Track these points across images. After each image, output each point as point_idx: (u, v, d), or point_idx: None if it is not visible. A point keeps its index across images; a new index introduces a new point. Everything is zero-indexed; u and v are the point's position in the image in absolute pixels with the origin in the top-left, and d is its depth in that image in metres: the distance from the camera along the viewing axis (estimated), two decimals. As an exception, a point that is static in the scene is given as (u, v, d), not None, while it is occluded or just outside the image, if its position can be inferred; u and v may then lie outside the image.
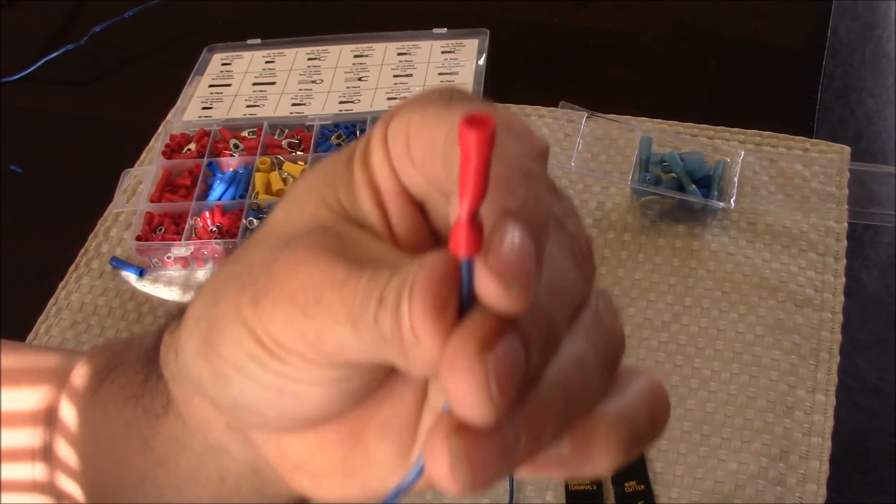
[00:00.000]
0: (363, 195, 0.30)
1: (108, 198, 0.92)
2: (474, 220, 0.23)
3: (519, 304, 0.24)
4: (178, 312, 0.35)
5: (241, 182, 0.89)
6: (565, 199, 0.30)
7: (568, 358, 0.27)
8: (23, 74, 1.08)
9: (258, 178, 0.89)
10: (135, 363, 0.39)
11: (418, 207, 0.30)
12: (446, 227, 0.30)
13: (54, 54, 1.08)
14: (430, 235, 0.31)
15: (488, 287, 0.23)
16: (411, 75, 0.99)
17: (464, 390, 0.24)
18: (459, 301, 0.24)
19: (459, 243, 0.23)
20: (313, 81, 1.01)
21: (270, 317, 0.28)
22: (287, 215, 0.31)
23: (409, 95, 0.32)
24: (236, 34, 1.07)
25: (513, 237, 0.24)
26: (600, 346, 0.28)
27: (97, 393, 0.41)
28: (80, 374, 0.43)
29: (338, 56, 1.03)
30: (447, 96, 0.29)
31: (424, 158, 0.28)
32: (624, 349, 0.29)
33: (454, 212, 0.26)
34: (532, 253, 0.24)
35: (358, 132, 0.93)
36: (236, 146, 0.93)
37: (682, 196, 0.80)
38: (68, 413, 0.43)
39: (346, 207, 0.30)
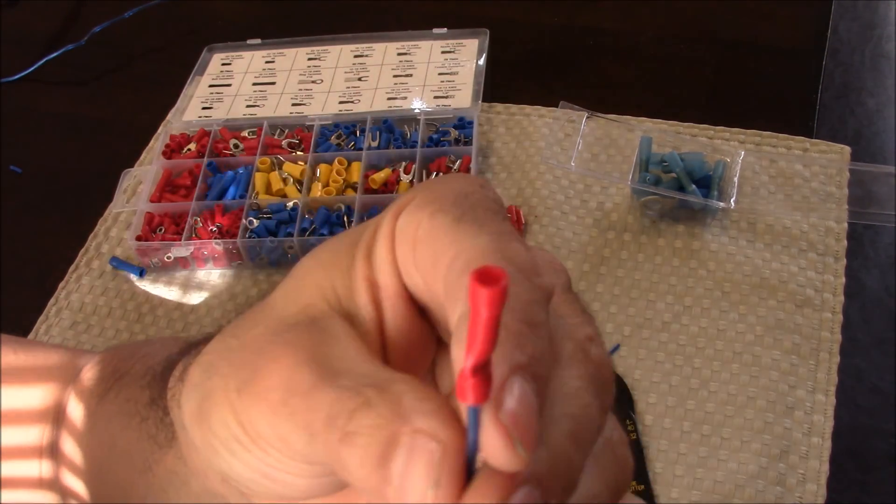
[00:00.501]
0: (360, 289, 0.30)
1: (108, 198, 0.92)
2: (483, 370, 0.23)
3: (523, 464, 0.23)
4: (185, 347, 0.36)
5: (241, 182, 0.89)
6: (591, 322, 0.29)
7: (581, 493, 0.27)
8: (23, 74, 1.08)
9: (258, 178, 0.89)
10: (140, 379, 0.39)
11: (417, 308, 0.30)
12: (446, 331, 0.30)
13: (54, 54, 1.08)
14: (428, 335, 0.31)
15: (496, 444, 0.23)
16: (411, 75, 0.99)
17: None
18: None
19: (465, 393, 0.23)
20: (313, 81, 1.01)
21: (250, 408, 0.29)
22: (284, 300, 0.31)
23: (422, 186, 0.30)
24: (236, 34, 1.07)
25: (523, 394, 0.24)
26: (611, 481, 0.28)
27: (103, 400, 0.41)
28: (88, 377, 0.44)
29: (338, 56, 1.03)
30: (460, 203, 0.29)
31: (427, 270, 0.28)
32: (631, 480, 0.29)
33: (456, 339, 0.25)
34: (537, 411, 0.24)
35: (358, 132, 0.92)
36: (236, 146, 0.93)
37: (682, 196, 0.80)
38: (76, 413, 0.43)
39: (341, 297, 0.30)
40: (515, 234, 0.28)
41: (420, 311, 0.30)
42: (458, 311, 0.25)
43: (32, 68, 1.08)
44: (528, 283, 0.26)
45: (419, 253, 0.28)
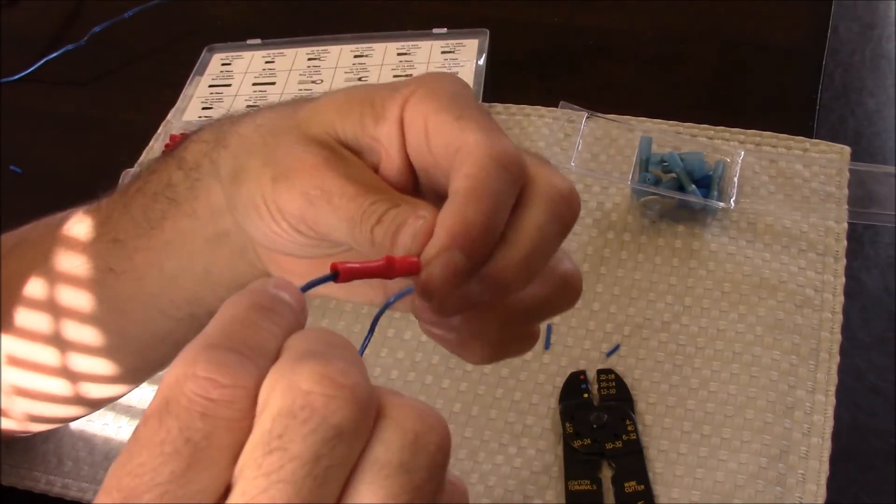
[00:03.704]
0: (367, 140, 0.42)
1: (108, 198, 0.91)
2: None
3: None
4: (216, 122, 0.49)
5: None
6: (562, 176, 0.40)
7: (530, 224, 0.38)
8: (23, 74, 1.08)
9: (258, 179, 0.89)
10: (162, 170, 0.52)
11: (409, 170, 0.42)
12: (433, 190, 0.42)
13: (54, 54, 1.08)
14: (408, 188, 0.42)
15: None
16: (411, 75, 0.98)
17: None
18: None
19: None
20: (313, 81, 1.01)
21: (282, 195, 0.41)
22: (306, 122, 0.43)
23: (419, 80, 0.42)
24: (236, 34, 1.07)
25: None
26: (555, 212, 0.38)
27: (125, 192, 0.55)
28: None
29: (338, 56, 1.03)
30: (457, 103, 0.40)
31: (440, 154, 0.39)
32: (578, 211, 0.39)
33: (449, 199, 0.37)
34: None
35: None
36: (236, 146, 0.93)
37: (682, 196, 0.80)
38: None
39: (348, 139, 0.42)
40: (500, 129, 0.39)
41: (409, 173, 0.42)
42: (455, 184, 0.37)
43: (32, 68, 1.08)
44: (499, 172, 0.37)
45: (433, 141, 0.39)
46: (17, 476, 0.75)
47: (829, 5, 0.99)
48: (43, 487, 0.74)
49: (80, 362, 0.54)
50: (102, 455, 0.75)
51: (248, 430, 0.27)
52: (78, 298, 0.53)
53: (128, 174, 0.92)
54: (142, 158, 0.96)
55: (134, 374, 0.59)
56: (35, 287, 0.55)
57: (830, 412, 0.69)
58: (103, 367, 0.55)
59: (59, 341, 0.54)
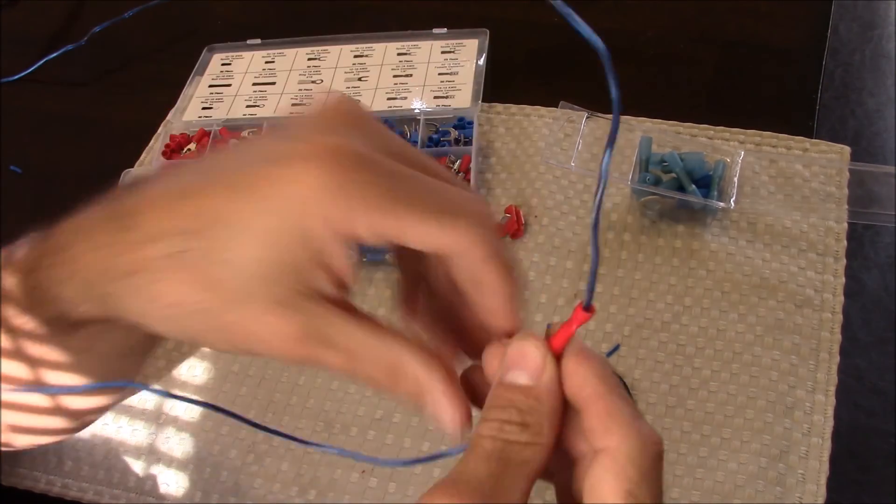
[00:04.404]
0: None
1: (108, 198, 0.91)
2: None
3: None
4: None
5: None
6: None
7: None
8: (23, 74, 1.08)
9: (258, 179, 0.89)
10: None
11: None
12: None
13: (54, 54, 1.09)
14: None
15: None
16: (411, 75, 0.99)
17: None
18: None
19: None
20: (313, 81, 1.01)
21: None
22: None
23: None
24: (236, 34, 1.07)
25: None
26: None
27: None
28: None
29: (338, 56, 1.03)
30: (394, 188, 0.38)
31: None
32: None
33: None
34: None
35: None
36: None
37: (682, 196, 0.80)
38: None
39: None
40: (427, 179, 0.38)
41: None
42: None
43: (32, 68, 1.08)
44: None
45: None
46: (18, 476, 0.75)
47: (829, 5, 0.99)
48: (43, 487, 0.74)
49: (52, 377, 0.52)
50: (102, 455, 0.75)
51: None
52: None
53: (128, 174, 0.92)
54: (142, 158, 0.96)
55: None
56: None
57: (830, 412, 0.69)
58: (75, 380, 0.53)
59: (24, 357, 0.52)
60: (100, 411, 0.55)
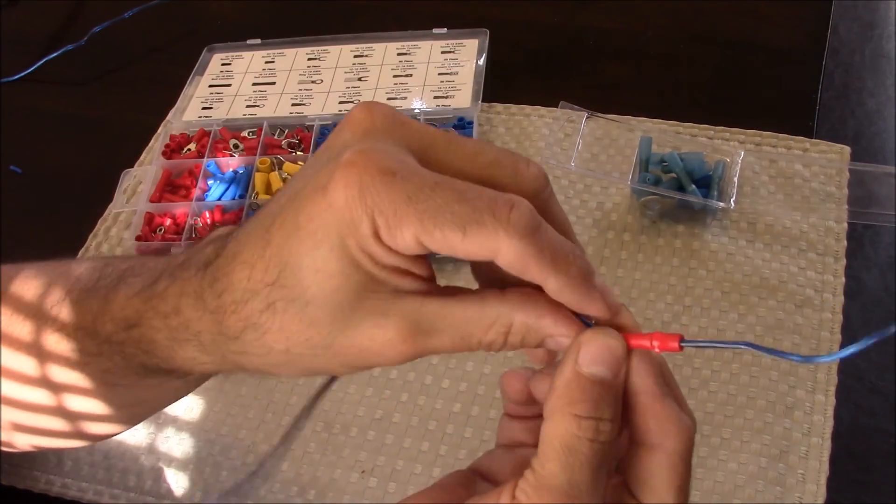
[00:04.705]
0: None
1: (108, 198, 0.92)
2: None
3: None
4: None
5: (240, 182, 0.89)
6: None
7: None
8: (23, 74, 1.08)
9: (258, 178, 0.89)
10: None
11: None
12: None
13: (54, 54, 1.09)
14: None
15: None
16: (411, 75, 0.99)
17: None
18: None
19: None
20: (313, 81, 1.01)
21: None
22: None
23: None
24: (236, 34, 1.07)
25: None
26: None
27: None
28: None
29: (338, 56, 1.03)
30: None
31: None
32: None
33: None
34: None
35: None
36: (236, 146, 0.93)
37: (682, 196, 0.80)
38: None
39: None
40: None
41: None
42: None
43: (32, 68, 1.08)
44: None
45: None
46: (18, 476, 0.75)
47: (829, 5, 0.99)
48: (42, 487, 0.74)
49: (79, 404, 0.53)
50: (102, 455, 0.75)
51: None
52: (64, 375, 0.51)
53: (127, 173, 0.92)
54: (142, 158, 0.96)
55: (136, 416, 0.57)
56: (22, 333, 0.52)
57: (830, 412, 0.69)
58: (103, 410, 0.53)
59: (56, 386, 0.52)
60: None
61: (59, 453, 0.75)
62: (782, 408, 0.69)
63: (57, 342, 0.49)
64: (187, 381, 0.50)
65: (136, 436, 0.76)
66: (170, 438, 0.75)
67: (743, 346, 0.39)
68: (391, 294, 0.39)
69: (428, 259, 0.39)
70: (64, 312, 0.49)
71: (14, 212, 0.95)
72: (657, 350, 0.38)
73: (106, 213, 0.92)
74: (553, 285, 0.38)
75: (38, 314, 0.50)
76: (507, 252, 0.37)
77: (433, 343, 0.40)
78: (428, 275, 0.40)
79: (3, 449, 0.58)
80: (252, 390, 0.77)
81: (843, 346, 0.72)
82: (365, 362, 0.40)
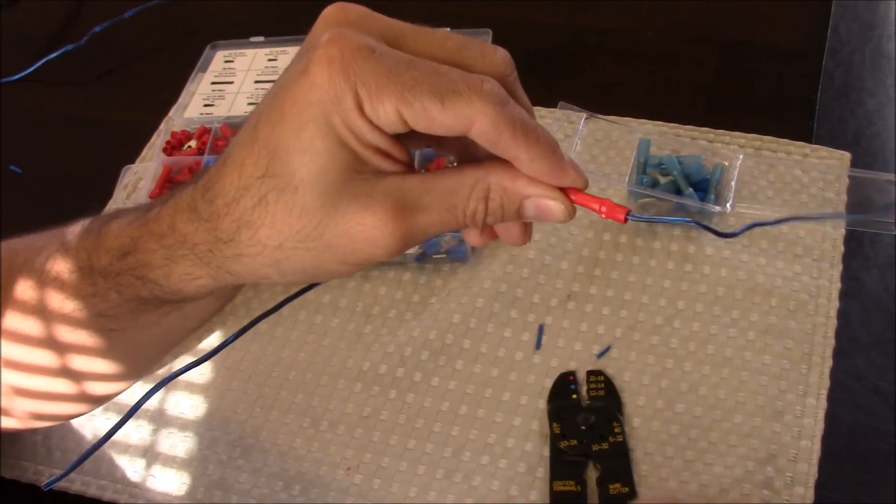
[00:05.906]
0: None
1: (107, 196, 0.92)
2: None
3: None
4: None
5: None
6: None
7: None
8: (23, 74, 1.09)
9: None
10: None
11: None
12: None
13: (54, 54, 1.09)
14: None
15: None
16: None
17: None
18: None
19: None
20: (314, 80, 1.00)
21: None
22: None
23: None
24: (236, 34, 1.07)
25: None
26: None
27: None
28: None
29: (338, 55, 1.03)
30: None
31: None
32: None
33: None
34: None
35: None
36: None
37: (679, 199, 0.79)
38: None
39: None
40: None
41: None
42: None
43: (32, 68, 1.09)
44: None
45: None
46: (7, 466, 0.75)
47: (829, 5, 0.98)
48: (31, 477, 0.74)
49: (79, 362, 0.54)
50: (88, 446, 0.75)
51: None
52: (74, 335, 0.53)
53: (128, 169, 0.92)
54: (143, 154, 0.96)
55: (135, 370, 0.59)
56: (25, 292, 0.54)
57: (821, 415, 0.68)
58: (104, 366, 0.55)
59: (55, 344, 0.54)
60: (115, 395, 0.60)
61: (48, 444, 0.76)
62: (771, 412, 0.68)
63: (52, 293, 0.52)
64: (184, 315, 0.52)
65: (124, 428, 0.75)
66: (157, 431, 0.75)
67: (690, 223, 0.43)
68: (374, 175, 0.40)
69: (407, 147, 0.42)
70: (58, 260, 0.51)
71: (14, 212, 0.95)
72: (603, 215, 0.41)
73: (105, 209, 0.92)
74: (525, 155, 0.40)
75: (31, 267, 0.53)
76: (482, 121, 0.39)
77: (421, 220, 0.41)
78: (407, 160, 0.42)
79: (3, 426, 0.59)
80: (242, 384, 0.77)
81: (842, 345, 0.72)
82: (357, 255, 0.41)
